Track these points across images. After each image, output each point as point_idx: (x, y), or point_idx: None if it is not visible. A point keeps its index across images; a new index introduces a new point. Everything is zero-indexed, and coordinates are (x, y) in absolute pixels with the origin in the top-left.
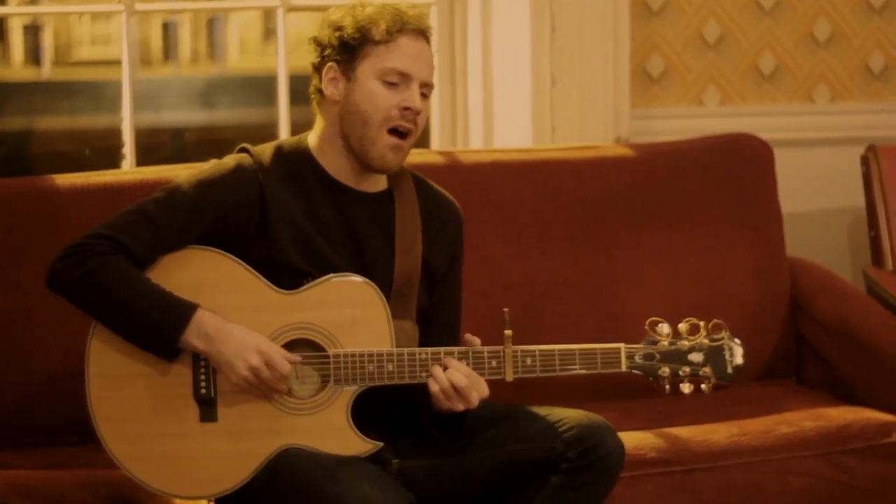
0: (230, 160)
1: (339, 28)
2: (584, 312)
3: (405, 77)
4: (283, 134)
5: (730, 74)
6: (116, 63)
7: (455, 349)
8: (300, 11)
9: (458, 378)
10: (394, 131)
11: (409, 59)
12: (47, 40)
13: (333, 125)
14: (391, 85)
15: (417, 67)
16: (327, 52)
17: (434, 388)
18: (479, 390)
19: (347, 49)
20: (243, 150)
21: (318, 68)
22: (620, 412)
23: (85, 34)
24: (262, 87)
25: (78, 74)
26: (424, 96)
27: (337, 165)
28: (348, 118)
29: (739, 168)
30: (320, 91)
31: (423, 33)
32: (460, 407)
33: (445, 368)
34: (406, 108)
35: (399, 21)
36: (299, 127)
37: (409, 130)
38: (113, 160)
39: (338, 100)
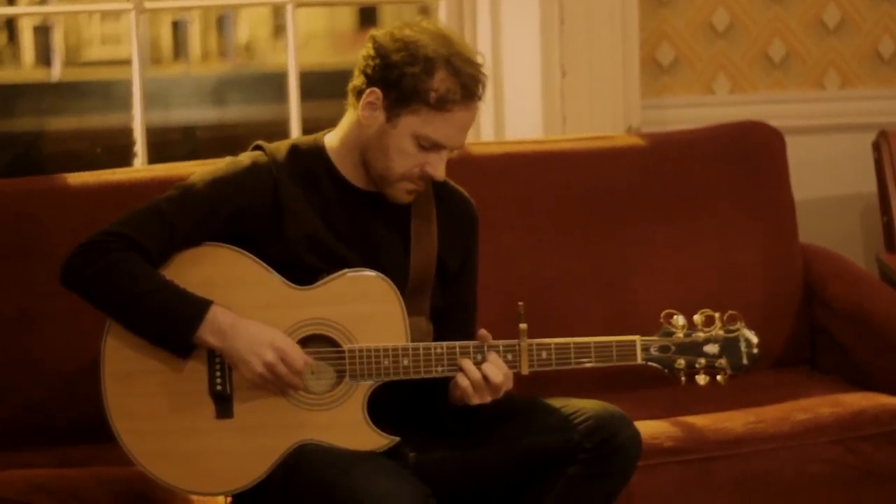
0: (245, 158)
1: (398, 66)
2: (596, 303)
3: (439, 146)
4: (295, 130)
5: (739, 62)
6: (127, 62)
7: (470, 343)
8: (309, 7)
9: (494, 373)
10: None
11: (453, 132)
12: (57, 41)
13: (356, 139)
14: (423, 147)
15: (456, 139)
16: (378, 75)
17: (464, 381)
18: (507, 385)
19: (399, 92)
20: (258, 147)
21: (364, 74)
22: (636, 402)
23: (95, 34)
24: (272, 84)
25: (88, 74)
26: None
27: (353, 171)
28: (374, 150)
29: (751, 156)
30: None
31: (479, 98)
32: (487, 399)
33: (478, 362)
34: (426, 173)
35: (459, 87)
36: (310, 123)
37: (422, 188)
38: (124, 159)
39: (369, 125)
